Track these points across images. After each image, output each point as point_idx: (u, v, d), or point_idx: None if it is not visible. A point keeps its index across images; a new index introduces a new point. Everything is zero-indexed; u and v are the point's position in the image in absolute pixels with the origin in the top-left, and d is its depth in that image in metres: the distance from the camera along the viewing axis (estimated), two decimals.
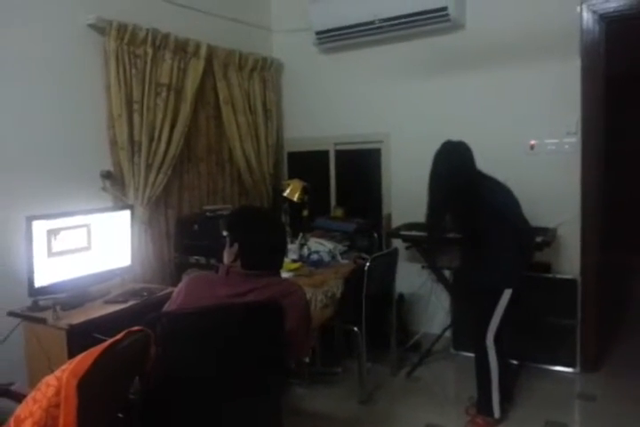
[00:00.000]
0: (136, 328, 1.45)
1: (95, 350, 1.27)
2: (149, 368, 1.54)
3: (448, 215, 2.60)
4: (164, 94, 3.15)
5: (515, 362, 3.17)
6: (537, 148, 3.31)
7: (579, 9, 3.09)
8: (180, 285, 1.80)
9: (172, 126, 3.20)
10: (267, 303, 1.67)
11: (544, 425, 2.58)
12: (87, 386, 1.20)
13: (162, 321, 1.59)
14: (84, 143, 2.85)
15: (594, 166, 3.16)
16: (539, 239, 2.89)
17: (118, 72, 2.90)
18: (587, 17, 3.10)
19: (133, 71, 3.00)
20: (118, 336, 1.37)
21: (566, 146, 3.22)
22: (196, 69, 3.36)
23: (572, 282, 3.15)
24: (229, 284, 1.73)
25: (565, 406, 2.82)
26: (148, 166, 3.07)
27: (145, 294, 2.53)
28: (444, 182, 2.51)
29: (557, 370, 3.17)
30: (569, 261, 3.25)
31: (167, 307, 1.80)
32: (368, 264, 2.79)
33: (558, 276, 3.20)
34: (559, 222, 3.21)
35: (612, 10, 3.06)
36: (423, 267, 3.59)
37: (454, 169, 2.51)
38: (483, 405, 2.60)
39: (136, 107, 3.00)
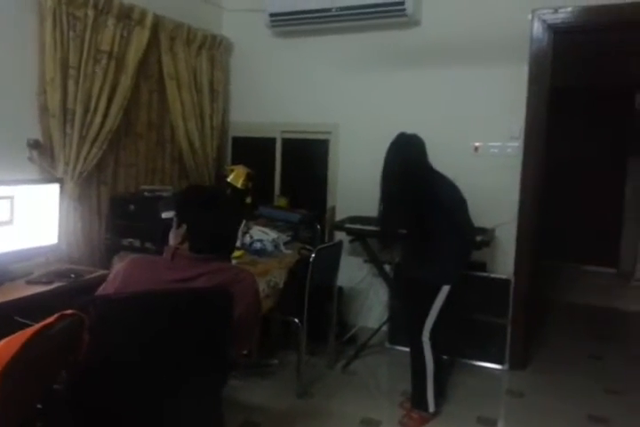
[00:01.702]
0: (69, 312, 1.28)
1: (22, 335, 1.11)
2: (80, 357, 1.38)
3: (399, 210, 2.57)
4: (103, 62, 2.90)
5: (445, 357, 3.21)
6: (481, 150, 3.37)
7: (530, 17, 3.16)
8: (119, 266, 1.64)
9: (111, 97, 2.96)
10: (216, 290, 1.55)
11: (476, 420, 2.63)
12: (11, 375, 1.04)
13: (96, 305, 1.43)
14: (10, 108, 2.55)
15: (533, 171, 3.24)
16: (478, 238, 2.94)
17: (55, 33, 2.63)
18: (537, 26, 3.18)
19: (71, 34, 2.73)
20: (50, 320, 1.20)
21: (509, 149, 3.30)
22: (140, 39, 3.13)
23: (505, 282, 3.24)
24: (175, 268, 1.59)
25: (495, 401, 2.90)
26: (82, 138, 2.82)
27: (72, 275, 2.31)
28: (397, 176, 2.48)
29: (486, 366, 3.26)
30: (503, 262, 3.34)
31: (102, 290, 1.63)
32: (313, 255, 2.72)
33: (493, 275, 3.28)
34: (497, 224, 3.29)
35: (559, 21, 3.15)
36: (365, 261, 3.57)
37: (407, 162, 2.50)
38: (417, 399, 2.61)
39: (72, 73, 2.74)
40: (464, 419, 2.63)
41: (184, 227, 1.66)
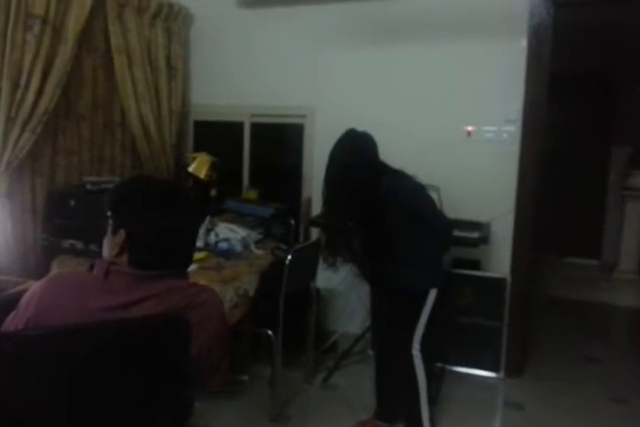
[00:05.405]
0: None
1: None
2: None
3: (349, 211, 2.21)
4: (36, 29, 2.44)
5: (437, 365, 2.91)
6: (474, 134, 3.06)
7: None
8: (34, 288, 1.21)
9: (46, 72, 2.52)
10: (164, 320, 1.16)
11: None
12: None
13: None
14: None
15: (532, 158, 2.95)
16: (474, 235, 2.67)
17: None
18: None
19: None
20: None
21: (505, 134, 3.00)
22: (81, 3, 2.67)
23: (500, 281, 2.94)
24: (109, 290, 1.17)
25: (495, 416, 2.63)
26: (10, 120, 2.39)
27: None
28: (342, 177, 2.11)
29: (480, 375, 2.97)
30: (497, 259, 3.05)
31: (11, 320, 1.20)
32: (289, 258, 2.34)
33: (487, 274, 2.99)
34: (493, 217, 2.97)
35: None
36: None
37: (353, 162, 2.11)
38: (412, 422, 2.28)
39: None
40: None
41: (122, 233, 1.22)
